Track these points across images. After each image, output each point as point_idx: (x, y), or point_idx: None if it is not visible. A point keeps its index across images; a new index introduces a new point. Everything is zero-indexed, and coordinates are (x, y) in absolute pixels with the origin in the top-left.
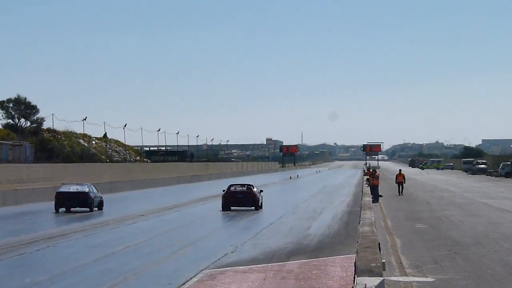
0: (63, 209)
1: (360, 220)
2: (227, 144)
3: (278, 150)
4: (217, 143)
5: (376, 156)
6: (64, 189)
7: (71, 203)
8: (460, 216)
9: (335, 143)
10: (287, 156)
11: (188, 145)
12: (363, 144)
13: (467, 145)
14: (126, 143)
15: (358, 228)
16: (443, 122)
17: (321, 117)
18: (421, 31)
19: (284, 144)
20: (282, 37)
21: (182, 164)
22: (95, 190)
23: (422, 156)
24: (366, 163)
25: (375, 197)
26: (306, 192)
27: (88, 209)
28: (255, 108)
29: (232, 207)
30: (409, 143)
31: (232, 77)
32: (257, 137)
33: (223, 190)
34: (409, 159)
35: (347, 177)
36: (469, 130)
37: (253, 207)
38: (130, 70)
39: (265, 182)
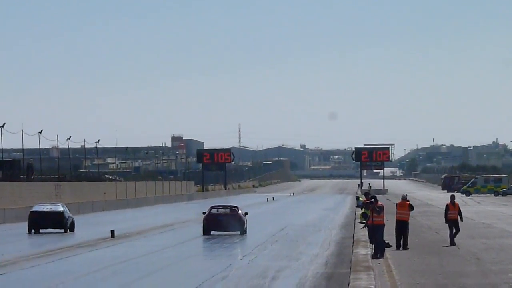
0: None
1: None
2: (97, 148)
3: (195, 159)
4: (79, 146)
5: (381, 171)
6: (37, 208)
7: (45, 223)
8: None
9: (303, 146)
10: (212, 169)
11: (40, 148)
12: (355, 148)
13: None
14: None
15: None
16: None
17: (278, 103)
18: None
19: (205, 146)
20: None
21: (7, 184)
22: (67, 210)
23: (466, 171)
24: (361, 184)
25: (378, 247)
26: (250, 239)
27: (62, 230)
28: (152, 92)
29: (213, 231)
30: (442, 145)
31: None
32: (157, 137)
33: (203, 213)
34: (443, 176)
35: (326, 209)
36: None
37: (238, 231)
38: None
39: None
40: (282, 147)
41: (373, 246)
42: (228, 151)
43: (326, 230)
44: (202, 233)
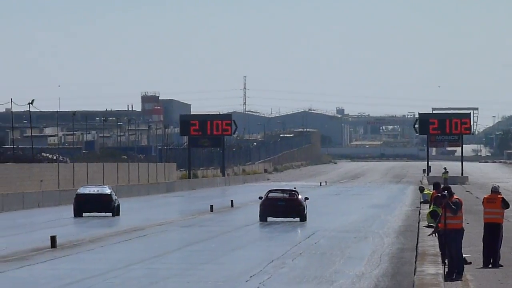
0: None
1: None
2: (30, 113)
3: (178, 129)
4: (2, 110)
5: (458, 148)
6: (83, 190)
7: (92, 206)
8: None
9: (340, 112)
10: (204, 145)
11: None
12: (419, 114)
13: None
14: None
15: None
16: None
17: (301, 47)
18: None
19: (193, 111)
20: None
21: None
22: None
23: None
24: (427, 168)
25: (454, 264)
26: (262, 251)
27: (110, 213)
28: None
29: (270, 217)
30: None
31: None
32: (121, 96)
33: (260, 197)
34: None
35: (375, 207)
36: None
37: (298, 218)
38: None
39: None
40: (309, 112)
41: (446, 262)
42: (227, 117)
43: (376, 237)
44: (258, 219)
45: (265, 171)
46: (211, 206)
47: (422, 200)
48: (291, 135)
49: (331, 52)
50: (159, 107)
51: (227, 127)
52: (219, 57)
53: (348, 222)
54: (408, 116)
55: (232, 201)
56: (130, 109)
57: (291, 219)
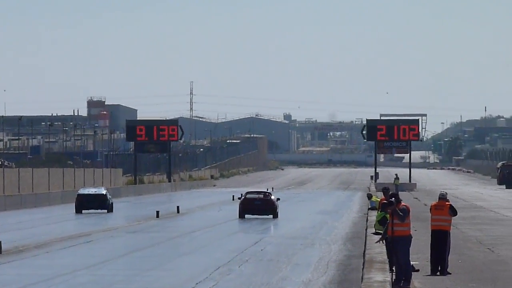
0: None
1: None
2: None
3: (124, 135)
4: None
5: (406, 155)
6: (83, 191)
7: (91, 204)
8: None
9: (288, 117)
10: (150, 150)
11: None
12: (367, 121)
13: None
14: None
15: None
16: None
17: (249, 51)
18: None
19: (139, 116)
20: None
21: None
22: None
23: None
24: (375, 175)
25: (402, 271)
26: (208, 257)
27: (105, 210)
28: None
29: (247, 215)
30: (499, 117)
31: None
32: (67, 101)
33: (238, 198)
34: (500, 164)
35: (322, 213)
36: None
37: (272, 215)
38: None
39: None
40: (256, 118)
41: (394, 269)
42: (174, 123)
43: (323, 244)
44: (238, 217)
45: (212, 177)
46: (157, 212)
47: (370, 207)
48: (238, 141)
49: (278, 57)
50: (105, 112)
51: (173, 133)
52: (165, 62)
53: (295, 228)
54: (356, 122)
55: (178, 207)
56: (76, 114)
57: (266, 216)
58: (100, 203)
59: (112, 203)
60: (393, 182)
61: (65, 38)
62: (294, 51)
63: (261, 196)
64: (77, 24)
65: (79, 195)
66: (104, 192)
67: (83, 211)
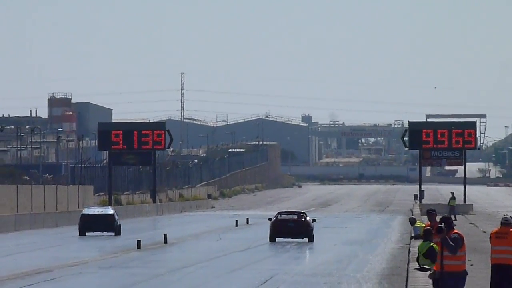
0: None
1: None
2: None
3: (96, 141)
4: None
5: (460, 167)
6: (88, 211)
7: (96, 226)
8: None
9: (307, 119)
10: (129, 162)
11: None
12: (410, 123)
13: None
14: None
15: None
16: None
17: (256, 38)
18: None
19: (115, 118)
20: None
21: None
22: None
23: None
24: (420, 193)
25: None
26: None
27: (113, 233)
28: None
29: (279, 237)
30: None
31: None
32: (23, 99)
33: (269, 219)
34: None
35: (351, 243)
36: None
37: (306, 238)
38: None
39: None
40: (267, 120)
41: None
42: (160, 127)
43: (352, 283)
44: (268, 240)
45: (209, 196)
46: (138, 242)
47: (413, 235)
48: (243, 149)
49: (294, 45)
50: (71, 113)
51: (159, 139)
52: (149, 50)
53: (316, 263)
54: (395, 126)
55: (165, 235)
56: (34, 115)
57: (300, 239)
58: (107, 224)
59: (120, 225)
60: (447, 203)
61: (24, 25)
62: (312, 37)
63: (295, 217)
64: (40, 9)
65: (83, 215)
66: (111, 212)
67: (88, 234)
